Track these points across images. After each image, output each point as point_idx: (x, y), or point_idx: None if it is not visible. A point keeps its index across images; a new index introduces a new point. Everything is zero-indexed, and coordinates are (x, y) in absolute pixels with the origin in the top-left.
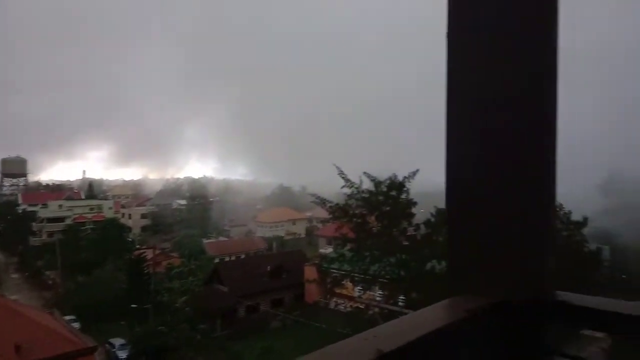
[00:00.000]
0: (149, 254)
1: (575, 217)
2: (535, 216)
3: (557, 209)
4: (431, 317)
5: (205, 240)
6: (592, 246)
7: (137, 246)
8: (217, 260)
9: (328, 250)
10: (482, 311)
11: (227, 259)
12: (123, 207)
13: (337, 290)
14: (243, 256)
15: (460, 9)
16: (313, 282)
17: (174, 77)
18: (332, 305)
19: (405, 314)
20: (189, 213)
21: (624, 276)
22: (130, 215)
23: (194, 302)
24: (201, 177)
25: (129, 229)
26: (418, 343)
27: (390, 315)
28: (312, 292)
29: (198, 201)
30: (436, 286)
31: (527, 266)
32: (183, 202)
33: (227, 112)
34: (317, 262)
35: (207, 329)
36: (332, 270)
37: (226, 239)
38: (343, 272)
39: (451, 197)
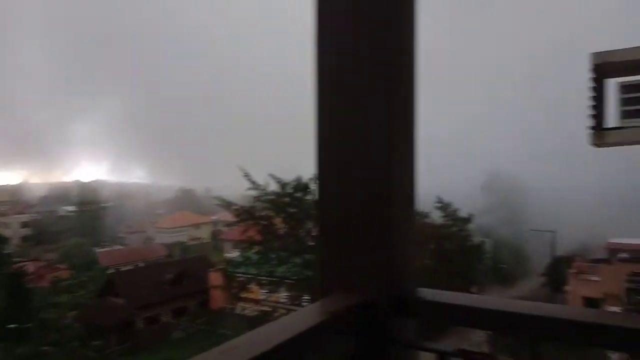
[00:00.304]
0: (31, 266)
1: (462, 213)
2: (399, 219)
3: (451, 208)
4: (295, 321)
5: (98, 250)
6: (477, 240)
7: (17, 259)
8: (111, 271)
9: (234, 254)
10: (345, 311)
11: (123, 268)
12: None
13: (244, 295)
14: (142, 265)
15: (324, 10)
16: (218, 288)
17: (59, 71)
18: (238, 310)
19: None
20: (79, 220)
21: (503, 266)
22: (8, 224)
23: (85, 317)
24: (92, 181)
25: (6, 239)
26: (274, 352)
27: None
28: (218, 298)
29: (89, 207)
30: None
31: (391, 265)
32: (71, 208)
33: (121, 110)
34: (222, 267)
35: (100, 345)
36: (237, 275)
37: (122, 247)
38: (249, 276)
39: (322, 197)
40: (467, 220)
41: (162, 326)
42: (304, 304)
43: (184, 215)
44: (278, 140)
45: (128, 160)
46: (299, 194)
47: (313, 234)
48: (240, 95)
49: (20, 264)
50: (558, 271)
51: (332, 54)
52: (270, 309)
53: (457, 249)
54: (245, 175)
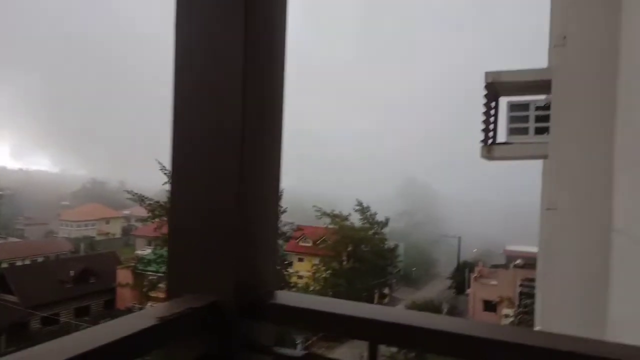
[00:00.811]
0: None
1: (379, 217)
2: (255, 221)
3: (369, 212)
4: (120, 325)
5: None
6: (391, 243)
7: None
8: (5, 265)
9: (146, 251)
10: (186, 314)
11: (18, 263)
12: None
13: (154, 294)
14: (41, 260)
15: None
16: (126, 287)
17: None
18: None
19: None
20: None
21: (414, 269)
22: None
23: None
24: None
25: None
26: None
27: None
28: (125, 298)
29: None
30: None
31: (243, 267)
32: None
33: (28, 91)
34: (132, 264)
35: None
36: (148, 273)
37: (19, 239)
38: (161, 274)
39: (172, 196)
40: (384, 224)
41: (61, 327)
42: None
43: (93, 208)
44: None
45: (32, 145)
46: None
47: None
48: (166, 85)
49: None
50: (462, 275)
51: (187, 51)
52: None
53: (373, 251)
54: (162, 169)
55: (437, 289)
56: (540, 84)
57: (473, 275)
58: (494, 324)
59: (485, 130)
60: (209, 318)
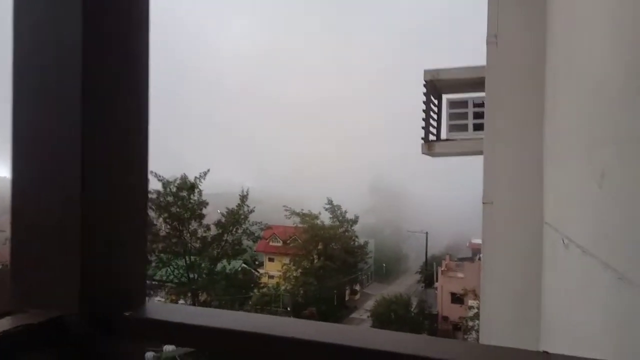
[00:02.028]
0: None
1: (349, 215)
2: (114, 223)
3: (339, 210)
4: None
5: None
6: (361, 241)
7: None
8: None
9: None
10: (18, 332)
11: None
12: None
13: None
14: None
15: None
16: None
17: None
18: None
19: None
20: None
21: (384, 265)
22: None
23: None
24: None
25: None
26: None
27: None
28: None
29: None
30: (228, 286)
31: (99, 276)
32: None
33: None
34: None
35: None
36: None
37: None
38: None
39: (15, 203)
40: (354, 221)
41: None
42: None
43: None
44: (164, 136)
45: None
46: (183, 193)
47: (198, 235)
48: None
49: None
50: (431, 269)
51: (30, 44)
52: None
53: (343, 248)
54: None
55: (406, 283)
56: (478, 82)
57: (441, 269)
58: (394, 334)
59: (426, 127)
60: (53, 335)
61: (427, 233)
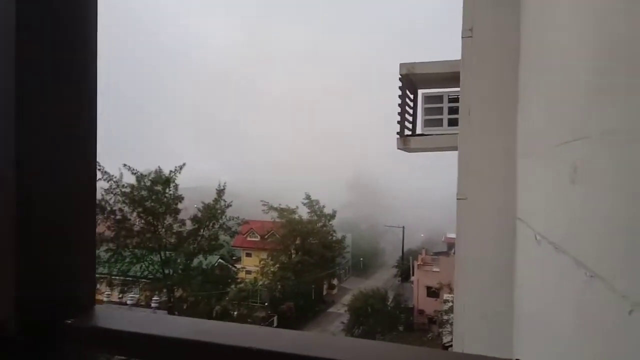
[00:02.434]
0: None
1: (327, 210)
2: (58, 221)
3: (317, 204)
4: None
5: None
6: (339, 235)
7: None
8: None
9: None
10: None
11: None
12: None
13: (99, 297)
14: None
15: None
16: None
17: None
18: None
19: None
20: None
21: (361, 259)
22: None
23: None
24: None
25: None
26: None
27: None
28: None
29: None
30: (204, 281)
31: (37, 280)
32: None
33: None
34: None
35: None
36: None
37: None
38: (98, 276)
39: None
40: (331, 216)
41: None
42: (153, 305)
43: None
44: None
45: None
46: (158, 187)
47: (174, 230)
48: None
49: None
50: (407, 263)
51: None
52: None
53: (321, 243)
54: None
55: (384, 277)
56: (454, 76)
57: (417, 263)
58: (341, 339)
59: (401, 122)
60: None
61: (403, 227)
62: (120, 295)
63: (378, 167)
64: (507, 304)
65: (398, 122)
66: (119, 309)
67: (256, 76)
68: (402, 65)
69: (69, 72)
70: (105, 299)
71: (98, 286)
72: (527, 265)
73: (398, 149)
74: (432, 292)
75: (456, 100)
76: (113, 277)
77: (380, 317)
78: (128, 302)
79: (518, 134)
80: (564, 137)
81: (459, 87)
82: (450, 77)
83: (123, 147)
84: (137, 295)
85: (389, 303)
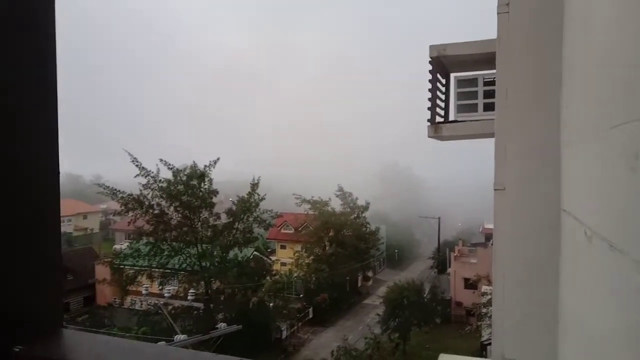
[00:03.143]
0: None
1: (360, 201)
2: (20, 245)
3: (350, 196)
4: None
5: None
6: (373, 227)
7: None
8: None
9: (124, 245)
10: None
11: None
12: None
13: (133, 288)
14: None
15: None
16: (105, 282)
17: None
18: (127, 304)
19: (200, 308)
20: None
21: (396, 251)
22: None
23: None
24: None
25: None
26: None
27: (186, 310)
28: (105, 293)
29: None
30: (240, 273)
31: None
32: None
33: None
34: (109, 259)
35: None
36: (126, 267)
37: None
38: (138, 268)
39: None
40: (365, 207)
41: None
42: (190, 297)
43: (68, 204)
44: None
45: None
46: (194, 182)
47: (210, 224)
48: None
49: None
50: (443, 255)
51: None
52: (162, 303)
53: (354, 235)
54: (133, 161)
55: (419, 269)
56: (489, 57)
57: (453, 255)
58: None
59: (432, 108)
60: None
61: (439, 218)
62: (160, 287)
63: (412, 156)
64: (551, 305)
65: (428, 109)
66: (86, 335)
67: (279, 69)
68: (432, 47)
69: (29, 79)
70: (144, 292)
71: (139, 278)
72: (574, 263)
73: (429, 137)
74: (470, 284)
75: (492, 83)
76: (153, 269)
77: (416, 309)
78: (165, 294)
79: (562, 116)
80: (618, 118)
81: (494, 68)
82: (485, 58)
83: (156, 144)
84: (175, 287)
85: (425, 295)
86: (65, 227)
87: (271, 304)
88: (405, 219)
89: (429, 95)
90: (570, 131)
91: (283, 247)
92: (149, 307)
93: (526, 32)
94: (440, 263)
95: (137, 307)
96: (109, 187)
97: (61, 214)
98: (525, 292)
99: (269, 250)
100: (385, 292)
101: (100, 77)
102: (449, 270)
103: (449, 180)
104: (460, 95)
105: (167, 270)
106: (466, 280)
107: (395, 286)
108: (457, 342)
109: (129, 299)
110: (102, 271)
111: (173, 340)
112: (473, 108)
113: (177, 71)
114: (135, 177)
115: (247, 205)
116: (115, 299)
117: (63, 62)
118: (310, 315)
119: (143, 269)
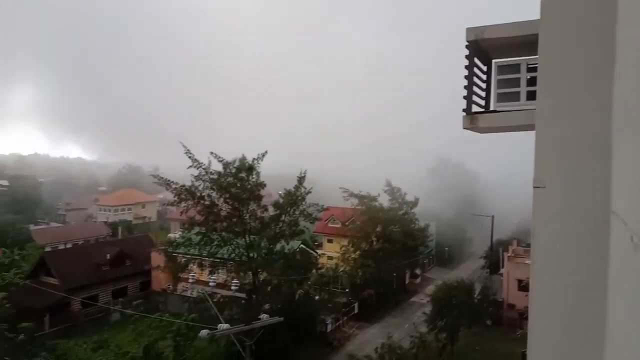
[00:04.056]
0: None
1: (409, 197)
2: None
3: (398, 192)
4: None
5: (33, 227)
6: (422, 223)
7: None
8: (48, 249)
9: (177, 234)
10: None
11: (60, 247)
12: None
13: (184, 275)
14: (80, 243)
15: None
16: (159, 269)
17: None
18: (180, 291)
19: (244, 298)
20: (13, 196)
21: (446, 248)
22: None
23: (15, 297)
24: (31, 154)
25: None
26: None
27: (233, 300)
28: (160, 279)
29: (24, 182)
30: (286, 266)
31: None
32: (4, 182)
33: (67, 82)
34: (163, 247)
35: (31, 327)
36: (178, 255)
37: (60, 224)
38: (190, 257)
39: None
40: (414, 203)
41: (100, 308)
42: (233, 287)
43: (129, 193)
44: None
45: (70, 134)
46: (242, 174)
47: (257, 215)
48: (187, 76)
49: None
50: (496, 254)
51: None
52: (210, 292)
53: (402, 231)
54: (187, 152)
55: (470, 268)
56: (533, 40)
57: (507, 255)
58: None
59: (468, 97)
60: None
61: (493, 216)
62: (210, 276)
63: (465, 151)
64: (596, 319)
65: (464, 97)
66: None
67: (326, 59)
68: (469, 30)
69: None
70: (190, 280)
71: (190, 266)
72: (622, 273)
73: (464, 128)
74: (524, 286)
75: (537, 69)
76: (203, 258)
77: (466, 310)
78: (210, 283)
79: (614, 107)
80: None
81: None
82: (528, 41)
83: (209, 136)
84: (224, 276)
85: (475, 295)
86: (126, 216)
87: (316, 297)
88: (456, 217)
89: (466, 82)
90: (623, 121)
91: (330, 240)
92: (199, 293)
93: (573, 10)
94: (493, 263)
95: (188, 294)
96: (163, 178)
97: (122, 203)
98: (567, 303)
99: (315, 243)
100: (433, 290)
101: (165, 78)
102: (502, 270)
103: (505, 175)
104: (500, 83)
105: (216, 260)
106: (520, 281)
107: (444, 285)
108: (509, 346)
109: (180, 285)
110: (157, 258)
111: (217, 328)
112: (515, 97)
113: (232, 70)
114: (188, 168)
115: (293, 199)
116: (168, 285)
117: (139, 67)
118: (356, 310)
119: (194, 257)
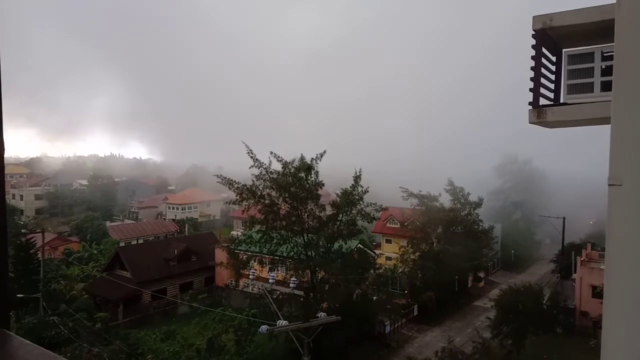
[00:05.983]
0: (40, 238)
1: (473, 197)
2: None
3: (461, 192)
4: None
5: (109, 223)
6: (486, 224)
7: (24, 230)
8: (122, 244)
9: (239, 232)
10: None
11: (133, 242)
12: (13, 187)
13: (245, 272)
14: (151, 239)
15: None
16: (222, 265)
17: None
18: (241, 287)
19: (302, 296)
20: (92, 194)
21: (513, 251)
22: (22, 196)
23: (93, 289)
24: (107, 156)
25: (20, 211)
26: None
27: (292, 297)
28: (223, 275)
29: (101, 181)
30: (343, 265)
31: None
32: (84, 182)
33: (137, 88)
34: (226, 244)
35: (106, 317)
36: (241, 252)
37: (133, 221)
38: (251, 254)
39: None
40: (477, 204)
41: (168, 301)
42: (291, 285)
43: (195, 192)
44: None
45: (144, 137)
46: (301, 174)
47: (315, 215)
48: (245, 82)
49: (31, 236)
50: (568, 258)
51: None
52: (269, 289)
53: (465, 232)
54: (249, 152)
55: (539, 272)
56: (608, 27)
57: (580, 259)
58: None
59: (535, 89)
60: None
61: (564, 218)
62: (270, 273)
63: (534, 148)
64: None
65: (530, 90)
66: (24, 343)
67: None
68: (535, 18)
69: None
70: (251, 276)
71: (251, 263)
72: None
73: (530, 122)
74: (598, 293)
75: (612, 58)
76: (263, 255)
77: (533, 316)
78: (270, 280)
79: None
80: None
81: (613, 41)
82: (603, 28)
83: (268, 136)
84: (283, 274)
85: (544, 301)
86: (192, 213)
87: (374, 298)
88: (524, 218)
89: (532, 74)
90: None
91: (388, 241)
92: (260, 290)
93: None
94: (564, 268)
95: (249, 290)
96: (225, 177)
97: (188, 202)
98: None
99: (374, 243)
100: (498, 294)
101: (230, 86)
102: (574, 275)
103: (578, 175)
104: (571, 74)
105: (275, 257)
106: (594, 288)
107: (510, 289)
108: (581, 357)
109: (242, 282)
110: (220, 255)
111: (276, 325)
112: (588, 88)
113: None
114: (250, 168)
115: (350, 198)
116: (231, 281)
117: (206, 76)
118: (415, 313)
119: (255, 254)
